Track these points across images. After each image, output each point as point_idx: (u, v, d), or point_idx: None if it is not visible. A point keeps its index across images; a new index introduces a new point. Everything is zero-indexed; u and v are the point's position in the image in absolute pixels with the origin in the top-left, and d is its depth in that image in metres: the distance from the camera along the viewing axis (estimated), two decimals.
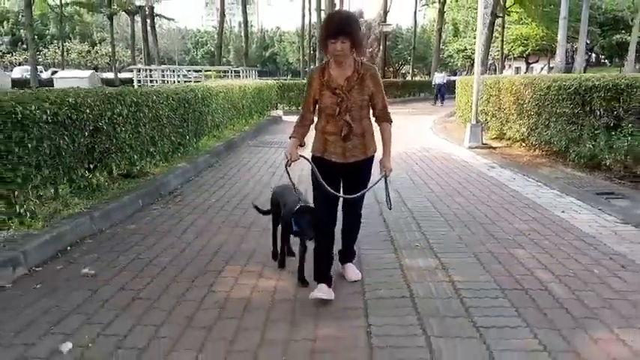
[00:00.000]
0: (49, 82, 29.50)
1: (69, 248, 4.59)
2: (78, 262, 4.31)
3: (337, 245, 3.93)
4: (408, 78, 52.63)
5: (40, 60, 53.17)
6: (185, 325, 3.22)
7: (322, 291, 3.52)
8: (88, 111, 5.36)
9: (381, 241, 4.84)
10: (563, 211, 5.93)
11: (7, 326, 3.17)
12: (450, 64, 69.76)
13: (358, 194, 3.63)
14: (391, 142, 3.66)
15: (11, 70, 48.65)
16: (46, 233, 4.49)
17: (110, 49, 48.34)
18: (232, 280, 3.98)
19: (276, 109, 19.66)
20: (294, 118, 3.86)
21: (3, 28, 69.49)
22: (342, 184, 3.72)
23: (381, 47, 39.03)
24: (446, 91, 28.59)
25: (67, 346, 2.91)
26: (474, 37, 50.36)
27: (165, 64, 58.73)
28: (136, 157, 6.68)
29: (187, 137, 8.73)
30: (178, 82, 23.79)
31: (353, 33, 3.35)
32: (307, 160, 3.59)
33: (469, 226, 5.37)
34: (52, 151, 4.84)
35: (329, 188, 3.49)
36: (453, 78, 31.04)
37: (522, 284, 3.84)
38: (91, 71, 37.71)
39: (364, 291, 3.75)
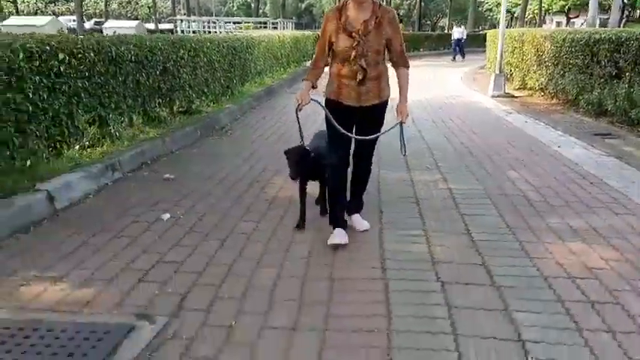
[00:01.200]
0: (95, 32, 30.79)
1: (149, 162, 5.82)
2: (158, 171, 5.53)
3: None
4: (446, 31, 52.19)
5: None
6: (245, 211, 4.39)
7: (340, 236, 3.61)
8: (159, 53, 6.51)
9: (398, 165, 5.91)
10: (559, 146, 6.88)
11: (120, 206, 4.41)
12: (489, 17, 68.49)
13: (372, 136, 3.64)
14: (408, 87, 3.63)
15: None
16: (131, 149, 5.72)
17: (150, 0, 49.43)
18: (278, 186, 5.13)
19: (312, 59, 20.53)
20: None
21: None
22: (355, 129, 3.69)
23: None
24: (465, 46, 28.51)
25: (166, 216, 4.14)
26: None
27: (203, 15, 59.61)
28: (194, 95, 7.84)
29: (234, 81, 9.85)
30: (219, 32, 24.77)
31: None
32: (319, 103, 3.59)
33: (475, 155, 6.40)
34: (134, 85, 6.01)
35: (342, 129, 3.52)
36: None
37: (505, 192, 4.89)
38: (138, 21, 38.89)
39: (380, 193, 4.86)
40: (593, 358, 2.40)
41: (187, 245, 3.63)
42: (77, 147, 5.18)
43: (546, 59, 10.64)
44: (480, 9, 61.80)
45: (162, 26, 42.69)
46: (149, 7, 68.23)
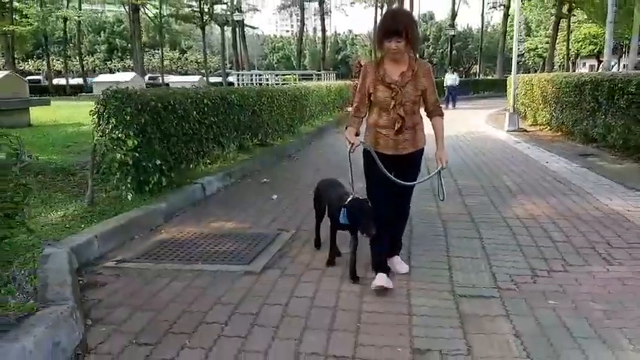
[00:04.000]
0: (158, 85, 34.59)
1: (248, 174, 8.34)
2: (256, 178, 8.05)
3: None
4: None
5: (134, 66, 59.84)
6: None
7: (383, 280, 3.64)
8: (250, 100, 9.14)
9: None
10: (547, 162, 9.16)
11: (240, 195, 6.91)
12: (520, 62, 70.92)
13: (412, 183, 3.81)
14: (443, 135, 3.77)
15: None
16: (236, 165, 8.27)
17: (197, 56, 53.77)
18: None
19: (352, 105, 23.26)
20: None
21: (100, 37, 76.36)
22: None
23: (449, 48, 41.70)
24: (458, 93, 27.00)
25: (274, 196, 6.62)
26: (547, 37, 51.86)
27: (250, 69, 64.06)
28: (269, 131, 10.44)
29: (295, 122, 12.49)
30: (270, 84, 27.90)
31: (408, 32, 3.42)
32: (366, 145, 3.71)
33: (480, 168, 8.73)
34: (237, 122, 8.61)
35: (385, 170, 3.62)
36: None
37: (494, 185, 7.20)
38: (200, 76, 42.79)
39: None
40: (514, 240, 4.71)
41: (289, 208, 6.08)
42: (205, 161, 7.76)
43: (549, 98, 12.96)
44: (510, 55, 64.20)
45: (212, 79, 46.83)
46: (197, 63, 73.49)
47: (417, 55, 3.73)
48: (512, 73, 14.79)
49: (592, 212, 5.73)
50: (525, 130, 14.22)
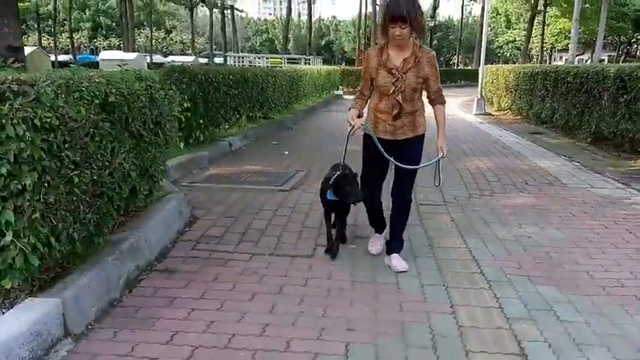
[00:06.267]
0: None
1: (259, 139, 10.25)
2: (266, 141, 9.97)
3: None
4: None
5: (120, 45, 60.75)
6: (321, 153, 8.78)
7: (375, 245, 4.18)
8: (260, 78, 11.03)
9: None
10: (500, 137, 11.25)
11: (258, 150, 8.84)
12: (499, 54, 73.36)
13: (412, 167, 3.79)
14: (445, 123, 3.82)
15: (97, 54, 55.95)
16: (249, 131, 10.17)
17: (183, 37, 54.90)
18: (331, 148, 9.49)
19: (337, 89, 25.24)
20: (352, 97, 4.80)
21: (85, 15, 76.02)
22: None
23: (429, 39, 43.71)
24: None
25: (286, 152, 8.57)
26: (524, 30, 54.11)
27: (232, 51, 65.46)
28: (272, 106, 12.35)
29: (292, 99, 14.40)
30: (260, 66, 29.66)
31: (412, 18, 3.39)
32: (366, 129, 3.74)
33: (447, 140, 10.76)
34: (249, 97, 10.49)
35: (384, 152, 3.67)
36: None
37: (454, 151, 9.23)
38: (194, 57, 44.08)
39: None
40: (461, 179, 6.75)
41: (298, 159, 8.02)
42: (226, 126, 9.65)
43: (510, 87, 15.08)
44: (490, 46, 66.44)
45: (200, 60, 48.29)
46: (183, 43, 74.53)
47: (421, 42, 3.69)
48: (481, 63, 16.88)
49: (522, 167, 7.82)
50: (490, 114, 16.34)
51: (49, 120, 2.47)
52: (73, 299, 2.81)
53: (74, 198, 2.76)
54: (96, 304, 3.02)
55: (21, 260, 2.48)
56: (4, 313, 2.58)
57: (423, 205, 5.58)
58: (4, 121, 2.30)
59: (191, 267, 3.76)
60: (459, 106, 20.16)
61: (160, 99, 4.05)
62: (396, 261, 3.84)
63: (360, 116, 3.74)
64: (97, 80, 2.99)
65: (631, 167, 7.69)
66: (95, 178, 2.94)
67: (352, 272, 3.79)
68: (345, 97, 23.64)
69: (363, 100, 3.82)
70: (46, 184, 2.52)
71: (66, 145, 2.63)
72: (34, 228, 2.50)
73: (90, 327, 2.88)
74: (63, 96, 2.61)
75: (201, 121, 7.76)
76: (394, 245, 3.96)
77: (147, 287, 3.42)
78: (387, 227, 4.17)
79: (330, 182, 3.83)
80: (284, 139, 10.56)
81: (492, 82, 17.52)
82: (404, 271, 3.75)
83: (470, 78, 37.43)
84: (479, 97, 16.74)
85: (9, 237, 2.43)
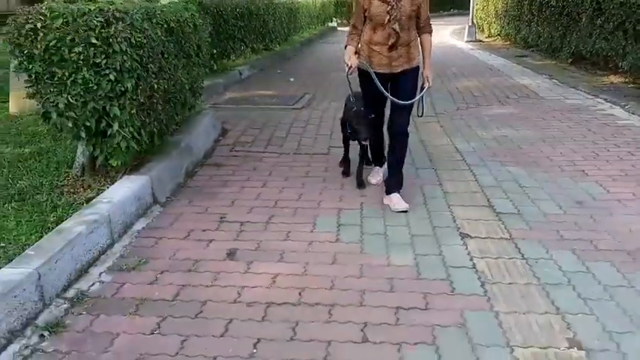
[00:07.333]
0: None
1: (264, 68, 11.01)
2: (271, 70, 10.75)
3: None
4: None
5: None
6: (323, 79, 9.60)
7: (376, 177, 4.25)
8: (262, 10, 11.66)
9: None
10: (488, 60, 12.04)
11: (266, 77, 9.65)
12: None
13: (408, 102, 3.71)
14: (431, 52, 3.78)
15: None
16: (255, 61, 10.92)
17: None
18: (333, 75, 10.30)
19: (332, 21, 25.56)
20: (346, 28, 4.51)
21: None
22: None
23: None
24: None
25: (292, 79, 9.39)
26: None
27: None
28: (273, 37, 13.00)
29: (290, 31, 15.00)
30: None
31: None
32: (363, 64, 3.71)
33: (438, 64, 11.53)
34: (253, 28, 11.15)
35: (380, 85, 3.65)
36: None
37: (445, 73, 10.05)
38: None
39: None
40: (450, 97, 7.65)
41: (303, 85, 8.85)
42: (233, 57, 10.40)
43: (500, 13, 15.67)
44: None
45: None
46: None
47: None
48: None
49: (505, 84, 8.71)
50: (481, 41, 16.98)
51: (139, 39, 3.34)
52: (156, 178, 3.78)
53: (154, 101, 3.66)
54: (169, 185, 3.99)
55: (125, 144, 3.41)
56: (109, 187, 3.54)
57: (418, 118, 6.47)
58: (111, 40, 3.17)
59: (234, 162, 4.73)
60: (451, 34, 20.71)
61: (200, 26, 4.89)
62: (396, 200, 3.71)
63: (356, 52, 3.73)
64: (162, 9, 3.83)
65: (603, 82, 8.57)
66: (166, 87, 3.83)
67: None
68: (340, 28, 24.04)
69: (357, 34, 3.75)
70: (139, 89, 3.42)
71: (150, 59, 3.50)
72: (132, 120, 3.41)
73: (169, 199, 3.86)
74: (145, 22, 3.46)
75: (214, 51, 8.51)
76: (393, 183, 3.84)
77: (203, 175, 4.40)
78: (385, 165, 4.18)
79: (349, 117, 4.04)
80: (287, 67, 11.32)
81: (483, 9, 18.03)
82: (404, 211, 3.62)
83: (462, 7, 37.31)
84: (470, 24, 17.31)
85: (115, 127, 3.35)
